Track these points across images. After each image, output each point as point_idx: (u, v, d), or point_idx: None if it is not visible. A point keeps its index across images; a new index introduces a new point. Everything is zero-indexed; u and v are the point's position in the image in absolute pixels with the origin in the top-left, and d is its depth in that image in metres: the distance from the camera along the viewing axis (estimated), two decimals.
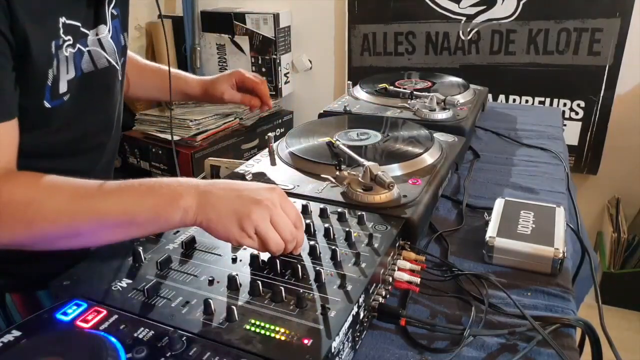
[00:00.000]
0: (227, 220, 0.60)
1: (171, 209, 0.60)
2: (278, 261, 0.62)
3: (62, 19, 0.67)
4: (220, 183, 0.64)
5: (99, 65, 0.77)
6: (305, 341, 0.51)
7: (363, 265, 0.63)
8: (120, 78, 0.84)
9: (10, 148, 0.63)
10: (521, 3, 2.07)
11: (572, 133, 2.14)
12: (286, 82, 2.55)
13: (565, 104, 2.13)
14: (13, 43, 0.61)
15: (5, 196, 0.58)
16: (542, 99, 2.17)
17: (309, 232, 0.70)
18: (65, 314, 0.55)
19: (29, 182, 0.61)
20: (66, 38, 0.68)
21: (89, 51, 0.74)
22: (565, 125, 2.07)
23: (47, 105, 0.68)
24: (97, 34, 0.76)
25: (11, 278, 0.80)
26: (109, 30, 0.78)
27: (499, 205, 0.89)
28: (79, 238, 0.61)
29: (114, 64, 0.80)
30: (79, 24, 0.71)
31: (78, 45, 0.71)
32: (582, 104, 2.11)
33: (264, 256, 0.65)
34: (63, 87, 0.69)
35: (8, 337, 0.50)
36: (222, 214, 0.60)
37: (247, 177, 0.88)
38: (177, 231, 0.71)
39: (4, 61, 0.61)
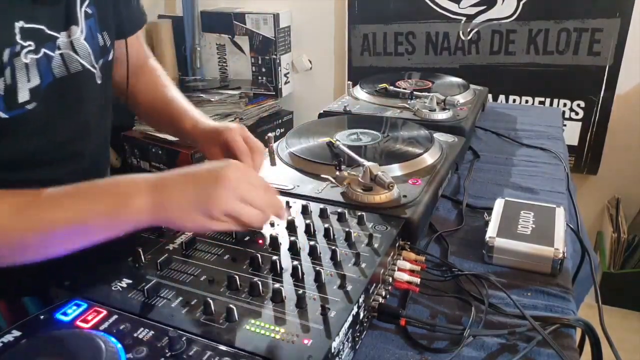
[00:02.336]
0: (191, 213, 0.57)
1: (123, 212, 0.57)
2: (278, 261, 0.62)
3: (20, 24, 0.61)
4: (173, 173, 0.60)
5: (72, 70, 0.71)
6: (305, 341, 0.51)
7: (363, 265, 0.63)
8: (99, 81, 0.78)
9: None
10: (521, 3, 2.07)
11: (572, 133, 2.14)
12: (286, 82, 2.55)
13: (565, 104, 2.13)
14: None
15: None
16: (542, 99, 2.17)
17: (309, 233, 0.70)
18: (65, 314, 0.55)
19: None
20: (25, 44, 0.62)
21: (61, 54, 0.69)
22: (565, 125, 2.07)
23: (1, 115, 0.62)
24: (69, 36, 0.70)
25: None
26: (81, 31, 0.72)
27: (499, 205, 0.89)
28: (27, 252, 0.57)
29: (89, 67, 0.75)
30: (42, 26, 0.65)
31: (44, 50, 0.65)
32: (582, 104, 2.11)
33: (263, 257, 0.65)
34: (24, 96, 0.64)
35: (8, 337, 0.50)
36: (183, 207, 0.57)
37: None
38: (177, 231, 0.71)
39: None
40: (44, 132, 0.70)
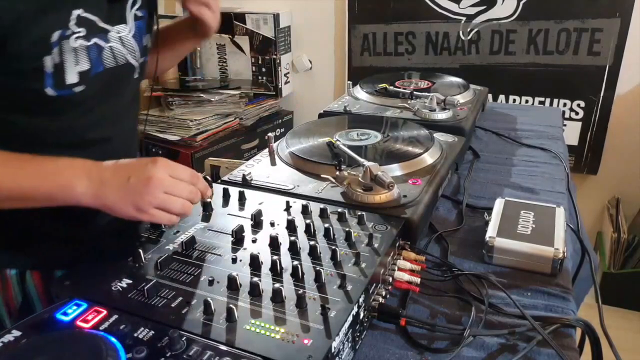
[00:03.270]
0: (123, 206, 0.65)
1: (65, 196, 0.66)
2: (278, 261, 0.62)
3: (78, 11, 0.69)
4: (110, 168, 0.68)
5: (119, 62, 0.79)
6: (305, 341, 0.51)
7: (363, 265, 0.63)
8: (136, 76, 0.86)
9: None
10: (521, 3, 2.07)
11: (572, 133, 2.14)
12: (286, 82, 2.54)
13: (565, 104, 2.13)
14: None
15: None
16: (542, 99, 2.17)
17: (309, 232, 0.71)
18: (65, 314, 0.55)
19: None
20: (77, 30, 0.69)
21: (110, 47, 0.77)
22: (565, 125, 2.07)
23: (49, 92, 0.69)
24: (118, 32, 0.78)
25: (32, 257, 0.83)
26: (129, 30, 0.80)
27: (499, 205, 0.89)
28: None
29: (132, 62, 0.83)
30: (96, 18, 0.73)
31: (94, 40, 0.73)
32: (582, 104, 2.11)
33: (264, 257, 0.65)
34: (72, 78, 0.71)
35: (8, 337, 0.50)
36: (117, 200, 0.65)
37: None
38: (177, 231, 0.71)
39: None
40: (84, 115, 0.77)
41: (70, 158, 0.68)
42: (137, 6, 0.82)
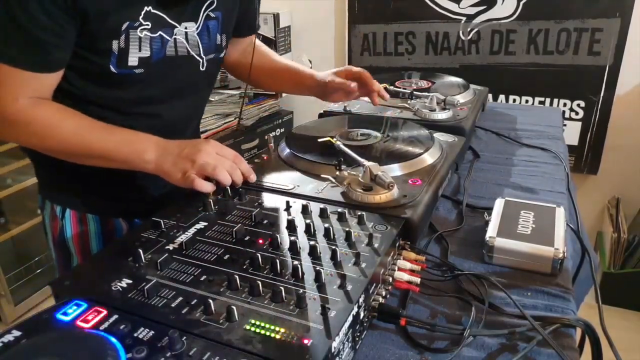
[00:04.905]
0: (175, 171, 0.81)
1: (138, 160, 0.82)
2: (278, 261, 0.62)
3: (148, 8, 0.82)
4: (174, 142, 0.84)
5: (179, 53, 0.90)
6: (305, 341, 0.51)
7: (363, 265, 0.63)
8: (202, 69, 0.96)
9: (49, 90, 0.83)
10: (521, 3, 2.07)
11: (572, 133, 2.15)
12: None
13: (565, 104, 2.14)
14: (76, 18, 0.76)
15: (33, 114, 0.80)
16: (542, 99, 2.17)
17: (309, 232, 0.71)
18: (65, 314, 0.55)
19: (53, 108, 0.82)
20: (145, 23, 0.82)
21: (175, 39, 0.88)
22: (565, 125, 2.07)
23: (112, 69, 0.83)
24: (186, 28, 0.89)
25: (121, 202, 1.00)
26: (197, 27, 0.91)
27: (499, 205, 0.89)
28: (73, 158, 0.85)
29: (194, 55, 0.93)
30: (164, 15, 0.84)
31: (160, 32, 0.85)
32: (582, 104, 2.11)
33: (265, 256, 0.65)
34: (133, 61, 0.84)
35: (8, 337, 0.50)
36: (171, 166, 0.81)
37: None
38: (177, 231, 0.72)
39: (60, 30, 0.76)
40: (142, 91, 0.90)
41: (147, 134, 0.84)
42: (212, 7, 0.92)
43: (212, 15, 0.94)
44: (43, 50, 0.77)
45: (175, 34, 0.88)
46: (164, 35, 0.86)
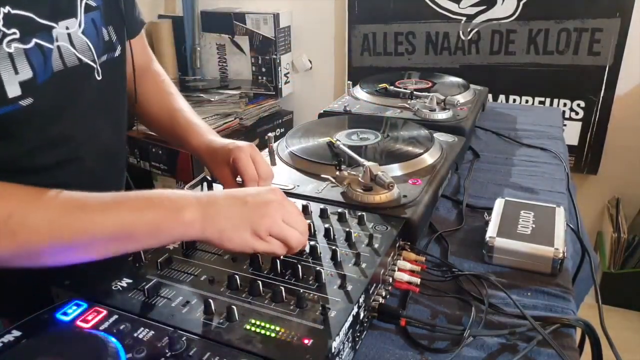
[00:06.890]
0: (239, 228, 0.58)
1: (173, 222, 0.57)
2: (278, 261, 0.62)
3: (5, 9, 0.58)
4: (220, 193, 0.63)
5: (69, 64, 0.67)
6: (305, 341, 0.51)
7: (363, 265, 0.63)
8: (99, 77, 0.73)
9: None
10: (521, 3, 2.07)
11: (572, 133, 2.14)
12: (286, 82, 2.54)
13: (565, 104, 2.13)
14: None
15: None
16: (542, 99, 2.17)
17: (309, 233, 0.70)
18: (65, 314, 0.55)
19: (10, 193, 0.55)
20: (9, 31, 0.58)
21: (58, 47, 0.65)
22: (565, 125, 2.07)
23: None
24: (67, 28, 0.67)
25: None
26: (79, 25, 0.68)
27: (499, 205, 0.89)
28: (68, 253, 0.56)
29: (88, 61, 0.71)
30: (31, 14, 0.61)
31: (35, 41, 0.61)
32: (582, 104, 2.11)
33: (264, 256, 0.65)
34: (14, 91, 0.60)
35: (8, 337, 0.50)
36: (233, 222, 0.58)
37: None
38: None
39: None
40: (41, 131, 0.66)
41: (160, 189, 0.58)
42: None
43: (93, 4, 0.71)
44: None
45: (57, 39, 0.65)
46: (42, 43, 0.62)
